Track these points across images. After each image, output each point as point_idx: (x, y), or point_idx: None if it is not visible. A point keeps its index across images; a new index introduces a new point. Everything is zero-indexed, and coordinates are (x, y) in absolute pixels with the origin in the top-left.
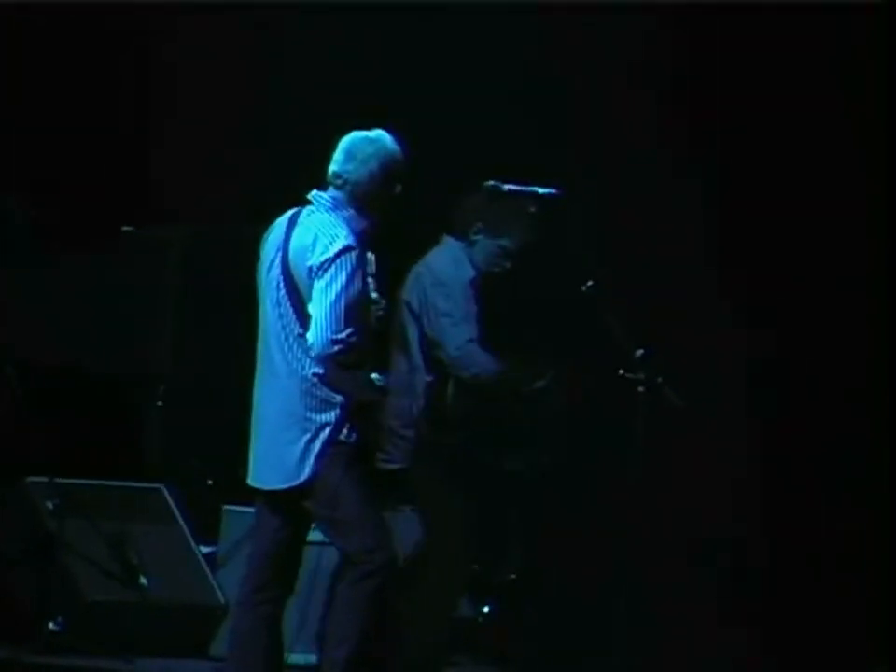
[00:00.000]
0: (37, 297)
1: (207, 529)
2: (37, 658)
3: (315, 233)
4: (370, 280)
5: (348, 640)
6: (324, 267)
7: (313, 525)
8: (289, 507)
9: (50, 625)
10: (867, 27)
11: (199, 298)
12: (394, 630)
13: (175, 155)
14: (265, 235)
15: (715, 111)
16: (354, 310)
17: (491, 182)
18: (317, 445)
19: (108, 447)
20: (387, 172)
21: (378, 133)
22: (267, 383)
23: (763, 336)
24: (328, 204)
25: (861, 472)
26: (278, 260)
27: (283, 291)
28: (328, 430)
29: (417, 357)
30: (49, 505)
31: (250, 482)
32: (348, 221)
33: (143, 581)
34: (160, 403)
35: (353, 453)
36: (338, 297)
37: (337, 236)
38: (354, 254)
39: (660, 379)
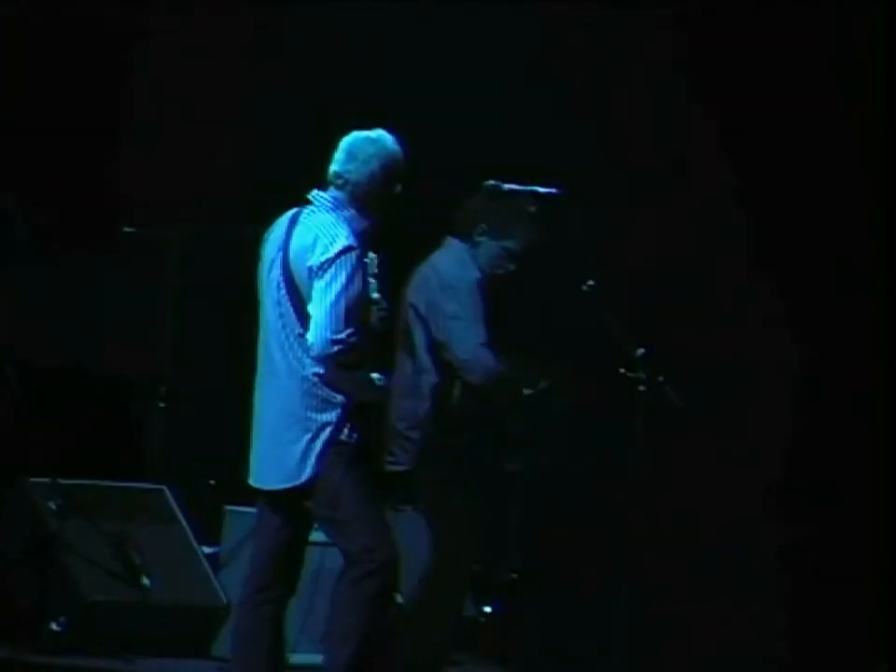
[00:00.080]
0: (39, 297)
1: (209, 530)
2: (38, 658)
3: (315, 233)
4: (371, 280)
5: (350, 640)
6: (324, 267)
7: (315, 526)
8: (291, 507)
9: (52, 625)
10: (867, 27)
11: (199, 298)
12: (396, 629)
13: (176, 155)
14: (266, 235)
15: (716, 110)
16: (354, 310)
17: (491, 182)
18: (318, 445)
19: (110, 447)
20: (388, 172)
21: (379, 132)
22: (268, 383)
23: (764, 335)
24: (328, 204)
25: (863, 472)
26: (279, 260)
27: (283, 291)
28: (328, 430)
29: (423, 359)
30: (51, 505)
31: (251, 482)
32: (349, 221)
33: (145, 581)
34: (161, 404)
35: (354, 452)
36: (338, 297)
37: (337, 236)
38: (354, 254)
39: (661, 378)
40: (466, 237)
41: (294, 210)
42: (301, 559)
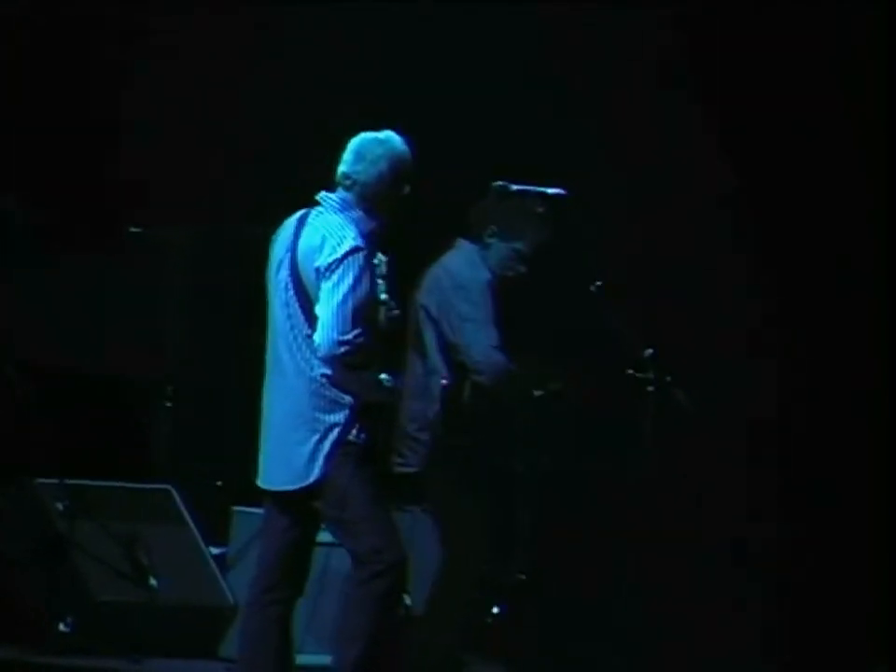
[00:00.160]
0: (44, 298)
1: (217, 530)
2: (47, 658)
3: (323, 234)
4: (380, 281)
5: (358, 640)
6: (331, 268)
7: (322, 526)
8: (298, 507)
9: (60, 626)
10: (867, 27)
11: (205, 298)
12: (404, 630)
13: (175, 155)
14: (274, 236)
15: (716, 110)
16: (361, 311)
17: (499, 182)
18: (326, 446)
19: (117, 448)
20: (396, 173)
21: (387, 133)
22: (276, 383)
23: (764, 335)
24: (336, 205)
25: (862, 472)
26: (287, 261)
27: (291, 292)
28: (336, 431)
29: (434, 361)
30: (59, 506)
31: (259, 482)
32: (357, 222)
33: (153, 581)
34: (168, 404)
35: (362, 453)
36: (345, 298)
37: (345, 237)
38: (361, 255)
39: (669, 378)
40: (476, 239)
41: (302, 211)
42: (309, 560)
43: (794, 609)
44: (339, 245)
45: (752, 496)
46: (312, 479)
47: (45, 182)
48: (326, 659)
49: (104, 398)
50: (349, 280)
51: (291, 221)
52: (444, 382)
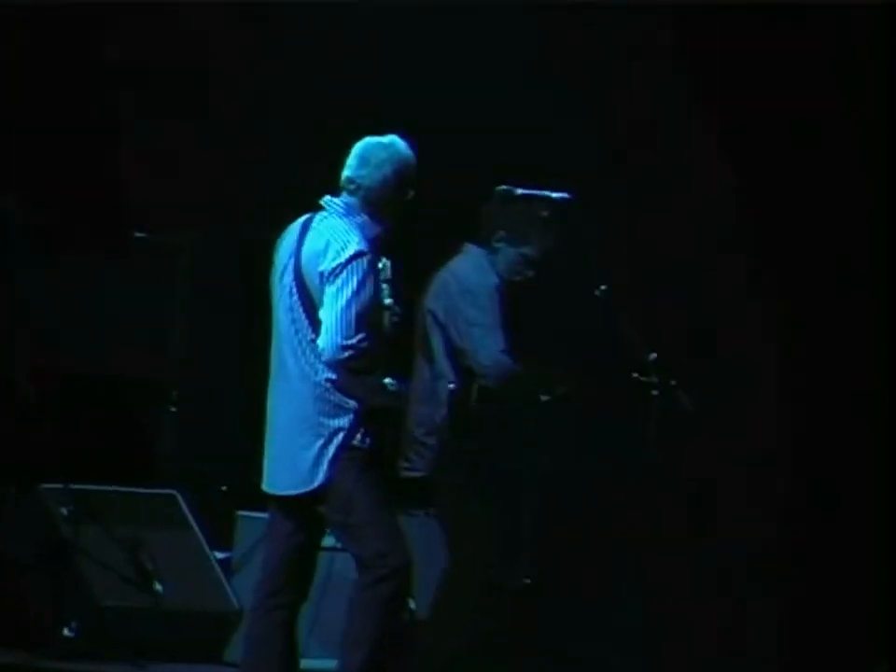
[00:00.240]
0: (45, 299)
1: (221, 535)
2: (52, 664)
3: (327, 239)
4: (384, 286)
5: (363, 644)
6: (335, 272)
7: (327, 531)
8: (303, 512)
9: (65, 631)
10: (867, 27)
11: (210, 302)
12: (409, 634)
13: (175, 155)
14: (279, 241)
15: (716, 110)
16: (365, 315)
17: (504, 187)
18: (331, 450)
19: (121, 453)
20: (401, 177)
21: (391, 138)
22: (280, 388)
23: (764, 335)
24: (340, 210)
25: (862, 472)
26: (291, 266)
27: (295, 297)
28: (341, 435)
29: (441, 365)
30: (64, 511)
31: (264, 487)
32: (361, 227)
33: (157, 586)
34: (173, 408)
35: (367, 458)
36: (349, 302)
37: (349, 242)
38: (365, 259)
39: (673, 382)
40: (484, 243)
41: (306, 216)
42: (314, 564)
43: (794, 609)
44: (343, 249)
45: (752, 496)
46: (316, 483)
47: (45, 182)
48: (331, 663)
49: (106, 400)
50: (353, 284)
51: (295, 226)
52: (452, 386)
